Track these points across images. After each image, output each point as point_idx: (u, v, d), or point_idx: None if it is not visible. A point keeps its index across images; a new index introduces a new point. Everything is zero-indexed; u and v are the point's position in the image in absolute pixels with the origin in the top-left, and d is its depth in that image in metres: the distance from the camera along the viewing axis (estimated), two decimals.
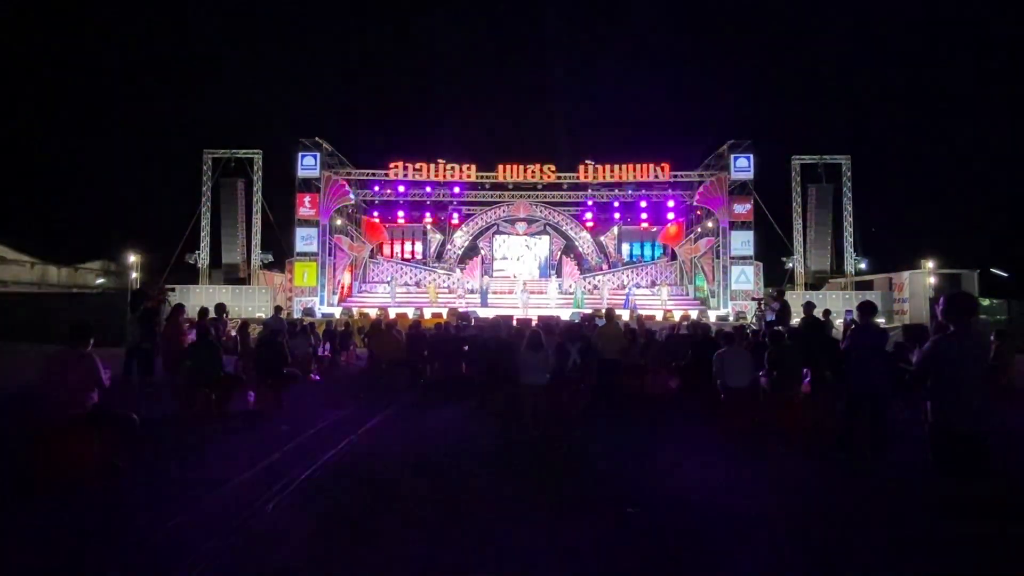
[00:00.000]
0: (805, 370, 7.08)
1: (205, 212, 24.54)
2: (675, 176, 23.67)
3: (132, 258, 24.92)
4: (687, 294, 24.98)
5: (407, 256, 27.66)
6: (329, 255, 22.77)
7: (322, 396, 8.92)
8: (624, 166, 23.37)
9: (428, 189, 24.83)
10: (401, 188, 24.42)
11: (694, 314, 19.73)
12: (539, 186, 24.94)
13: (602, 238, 27.75)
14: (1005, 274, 24.82)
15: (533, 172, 23.89)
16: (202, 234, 24.51)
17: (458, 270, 26.26)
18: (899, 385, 7.47)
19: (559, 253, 27.31)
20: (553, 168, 23.96)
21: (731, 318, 20.21)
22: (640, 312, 20.43)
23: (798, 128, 35.72)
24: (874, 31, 42.55)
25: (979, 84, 38.94)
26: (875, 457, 5.46)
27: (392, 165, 23.61)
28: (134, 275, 24.36)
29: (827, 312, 13.07)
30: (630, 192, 25.02)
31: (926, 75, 40.48)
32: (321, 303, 21.87)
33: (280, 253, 25.28)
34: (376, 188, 25.14)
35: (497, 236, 27.42)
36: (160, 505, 4.15)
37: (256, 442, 5.94)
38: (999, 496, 4.00)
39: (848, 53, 43.47)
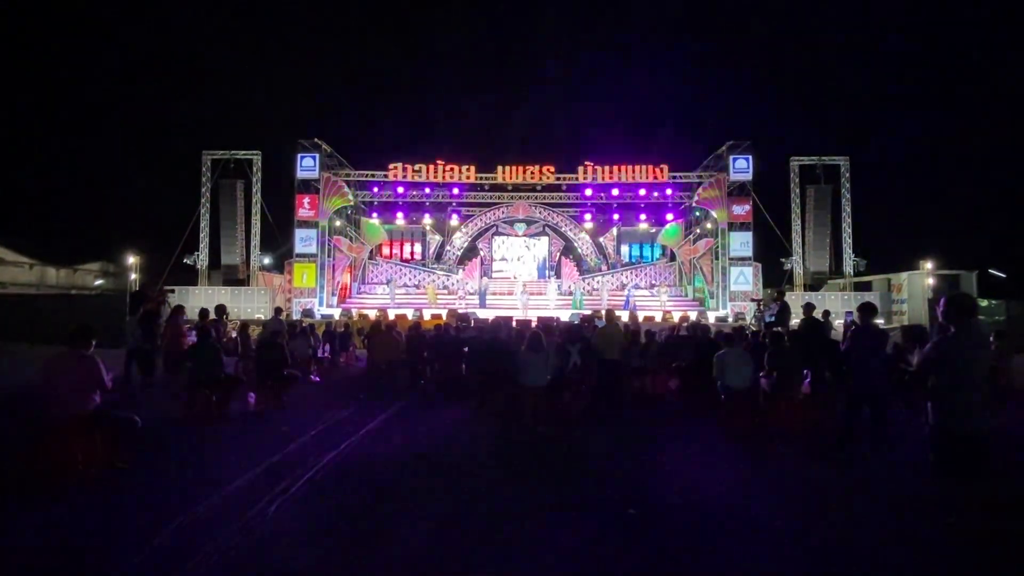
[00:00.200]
0: (805, 371, 7.09)
1: (204, 213, 24.54)
2: (674, 177, 23.71)
3: (131, 259, 24.88)
4: (686, 295, 25.00)
5: (406, 257, 27.67)
6: (328, 256, 22.77)
7: (322, 397, 8.92)
8: (623, 167, 23.41)
9: (427, 190, 24.85)
10: (400, 189, 24.41)
11: (693, 315, 19.75)
12: (538, 187, 24.97)
13: (601, 239, 27.77)
14: (1003, 275, 24.87)
15: (532, 173, 23.91)
16: (201, 235, 24.51)
17: (459, 271, 26.27)
18: (899, 385, 7.50)
19: (558, 254, 27.33)
20: (552, 169, 23.98)
21: (730, 319, 20.23)
22: (636, 312, 20.47)
23: (797, 129, 35.91)
24: (873, 32, 42.68)
25: (978, 85, 39.05)
26: (875, 457, 5.47)
27: (391, 166, 23.62)
28: (133, 276, 24.32)
29: (826, 313, 13.08)
30: (629, 193, 25.04)
31: (924, 76, 40.60)
32: (320, 304, 21.86)
33: (279, 254, 25.30)
34: (375, 189, 25.13)
35: (496, 237, 27.43)
36: (162, 506, 4.15)
37: (257, 443, 5.95)
38: (999, 496, 4.02)
39: (846, 54, 43.59)
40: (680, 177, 23.88)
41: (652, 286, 25.25)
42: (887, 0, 43.74)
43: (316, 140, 22.13)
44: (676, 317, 19.37)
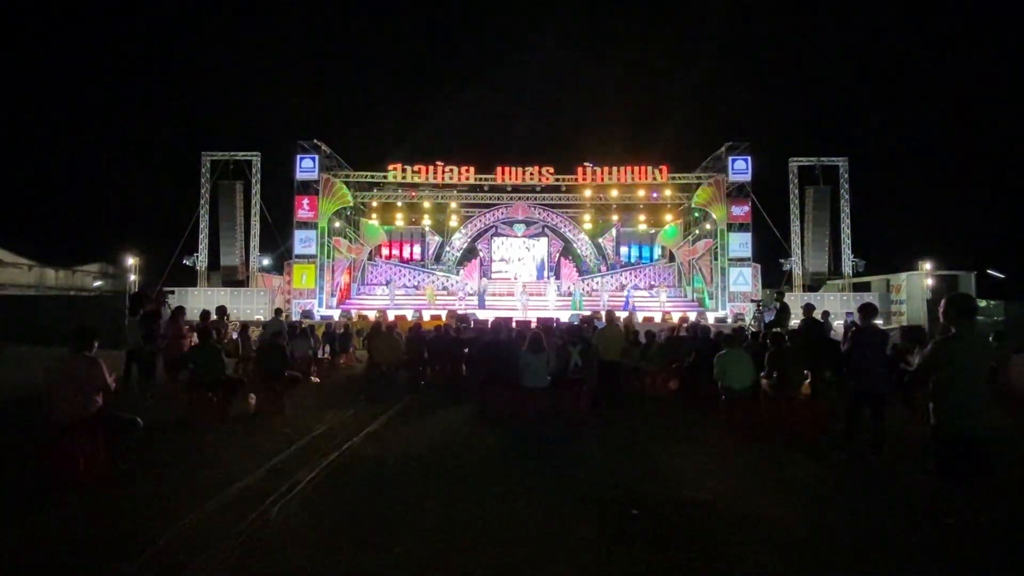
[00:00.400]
0: (805, 371, 7.11)
1: (204, 214, 24.52)
2: (673, 178, 23.75)
3: (130, 260, 24.84)
4: (685, 296, 25.04)
5: (406, 258, 27.68)
6: (328, 257, 22.77)
7: (323, 398, 8.92)
8: (622, 168, 23.45)
9: (427, 191, 24.84)
10: (400, 190, 24.42)
11: (692, 316, 19.79)
12: (537, 188, 24.99)
13: (600, 240, 27.80)
14: (1002, 275, 24.92)
15: (531, 174, 23.93)
16: (200, 236, 24.49)
17: (458, 272, 26.29)
18: (898, 386, 7.52)
19: (557, 255, 27.35)
20: (551, 170, 24.01)
21: (729, 320, 20.25)
22: (636, 313, 20.51)
23: (795, 130, 35.91)
24: (871, 32, 42.76)
25: (976, 85, 39.14)
26: (875, 458, 5.49)
27: (391, 167, 23.62)
28: (132, 277, 24.29)
29: (826, 314, 13.11)
30: (628, 194, 25.08)
31: (923, 77, 40.69)
32: (319, 305, 21.85)
33: (279, 255, 25.30)
34: (375, 190, 25.14)
35: (496, 238, 27.45)
36: (164, 507, 4.16)
37: (258, 444, 5.95)
38: (999, 496, 4.04)
39: (845, 55, 43.67)
40: (679, 178, 23.93)
41: (651, 287, 25.29)
42: (887, 2, 43.87)
43: (315, 141, 22.14)
44: (675, 318, 19.41)
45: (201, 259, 24.52)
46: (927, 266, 22.03)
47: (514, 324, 13.30)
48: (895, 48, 42.58)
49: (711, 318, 20.61)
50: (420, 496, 4.56)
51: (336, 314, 20.93)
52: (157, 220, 29.06)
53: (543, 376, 7.13)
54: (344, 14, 50.01)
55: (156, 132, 39.38)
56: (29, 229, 30.14)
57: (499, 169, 23.86)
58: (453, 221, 27.61)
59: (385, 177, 23.92)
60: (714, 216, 22.46)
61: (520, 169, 23.92)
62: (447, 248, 27.38)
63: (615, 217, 27.25)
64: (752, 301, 18.51)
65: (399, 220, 27.40)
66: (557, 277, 25.90)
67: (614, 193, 24.87)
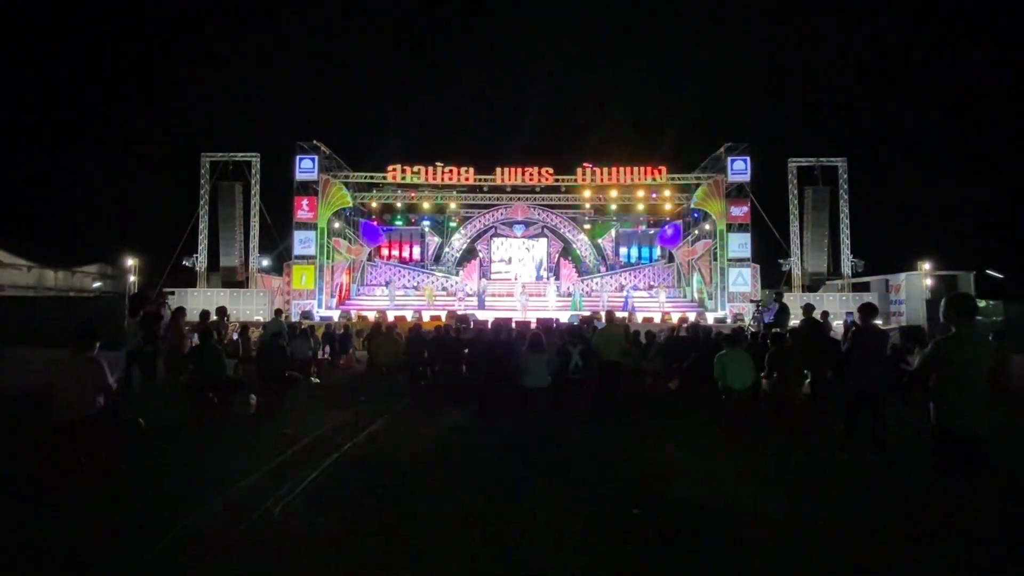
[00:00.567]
0: (806, 371, 7.12)
1: (203, 215, 24.50)
2: (672, 179, 23.76)
3: (130, 261, 24.86)
4: (684, 296, 25.06)
5: (405, 259, 27.68)
6: (327, 258, 22.76)
7: (323, 399, 8.92)
8: (622, 169, 23.44)
9: (426, 192, 24.84)
10: (399, 191, 24.42)
11: (692, 316, 19.81)
12: (537, 188, 24.99)
13: (600, 240, 27.82)
14: (1001, 275, 24.95)
15: (531, 175, 23.92)
16: (200, 237, 24.47)
17: (458, 272, 26.29)
18: (898, 386, 7.53)
19: (557, 255, 27.37)
20: (551, 171, 24.00)
21: (728, 320, 20.27)
22: (635, 313, 20.52)
23: (795, 131, 35.92)
24: (870, 33, 42.84)
25: (976, 85, 39.22)
26: (875, 457, 5.50)
27: (390, 168, 23.61)
28: (132, 279, 24.29)
29: (825, 314, 13.12)
30: (627, 195, 25.09)
31: (922, 77, 40.77)
32: (319, 306, 21.84)
33: (278, 256, 25.28)
34: (374, 191, 25.14)
35: (495, 239, 27.46)
36: (166, 508, 4.16)
37: (259, 445, 5.95)
38: (999, 496, 4.04)
39: (844, 55, 43.74)
40: (678, 178, 23.95)
41: (650, 287, 25.31)
42: (886, 1, 43.95)
43: (315, 142, 22.13)
44: (675, 318, 19.42)
45: (200, 260, 24.50)
46: (926, 266, 22.04)
47: (514, 325, 13.31)
48: (894, 48, 42.69)
49: (710, 319, 20.63)
50: (421, 496, 4.56)
51: (336, 315, 20.93)
52: (156, 221, 29.03)
53: (543, 376, 7.14)
54: (344, 14, 50.05)
55: (155, 133, 39.36)
56: (28, 230, 30.11)
57: (498, 170, 23.85)
58: (453, 222, 27.62)
59: (384, 178, 23.91)
60: (713, 217, 22.48)
61: (519, 170, 23.91)
62: (446, 249, 27.39)
63: (614, 218, 27.27)
64: (752, 301, 18.53)
65: (398, 221, 27.40)
66: (557, 278, 25.91)
67: (613, 194, 24.88)
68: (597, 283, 25.33)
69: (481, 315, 19.08)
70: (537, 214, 27.07)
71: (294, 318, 19.11)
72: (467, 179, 23.93)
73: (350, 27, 49.84)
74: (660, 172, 23.35)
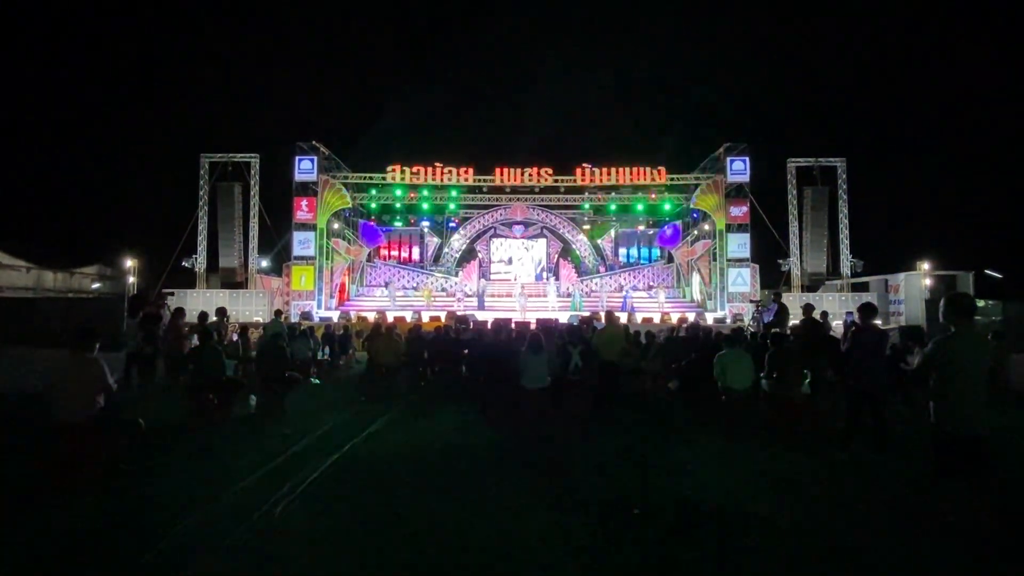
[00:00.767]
0: (806, 371, 7.12)
1: (202, 216, 24.50)
2: (671, 179, 23.76)
3: (129, 262, 24.86)
4: (684, 296, 25.07)
5: (404, 259, 27.67)
6: (327, 259, 22.76)
7: (323, 399, 8.92)
8: (621, 169, 23.43)
9: (425, 192, 24.87)
10: (399, 191, 24.43)
11: (691, 316, 19.81)
12: (536, 189, 24.98)
13: (599, 241, 27.83)
14: (1000, 275, 24.97)
15: (530, 175, 23.92)
16: (199, 238, 24.47)
17: (457, 273, 26.29)
18: (898, 385, 7.54)
19: (556, 256, 27.37)
20: (550, 171, 24.00)
21: (728, 320, 20.28)
22: (635, 314, 20.52)
23: (793, 131, 35.88)
24: (870, 33, 42.89)
25: (974, 86, 39.27)
26: (875, 457, 5.51)
27: (389, 168, 23.61)
28: (131, 279, 24.28)
29: (824, 314, 13.13)
30: (627, 195, 25.10)
31: (922, 77, 40.83)
32: (319, 307, 21.83)
33: (277, 257, 25.27)
34: (374, 191, 25.15)
35: (494, 239, 27.46)
36: (166, 508, 4.16)
37: (259, 446, 5.95)
38: (999, 496, 4.05)
39: (844, 55, 43.78)
40: (677, 179, 23.92)
41: (650, 288, 25.32)
42: (885, 2, 44.00)
43: (314, 143, 22.12)
44: (674, 318, 19.43)
45: (200, 261, 24.49)
46: (925, 266, 22.06)
47: (513, 325, 13.30)
48: (894, 48, 42.73)
49: (710, 319, 20.64)
50: (421, 497, 4.56)
51: (335, 316, 20.92)
52: (156, 222, 28.97)
53: (543, 377, 7.13)
54: (344, 14, 50.04)
55: (155, 133, 39.22)
56: (27, 231, 30.07)
57: (498, 170, 23.84)
58: (452, 222, 27.61)
59: (384, 178, 23.91)
60: (713, 217, 22.50)
61: (519, 170, 23.90)
62: (446, 249, 27.39)
63: (614, 218, 27.28)
64: (751, 302, 18.52)
65: (398, 221, 27.40)
66: (556, 278, 25.91)
67: (613, 194, 24.88)
68: (596, 283, 25.34)
69: (481, 316, 19.07)
70: (536, 214, 27.07)
71: (294, 319, 19.10)
72: (466, 179, 23.93)
73: (350, 27, 49.84)
74: (659, 172, 23.35)
